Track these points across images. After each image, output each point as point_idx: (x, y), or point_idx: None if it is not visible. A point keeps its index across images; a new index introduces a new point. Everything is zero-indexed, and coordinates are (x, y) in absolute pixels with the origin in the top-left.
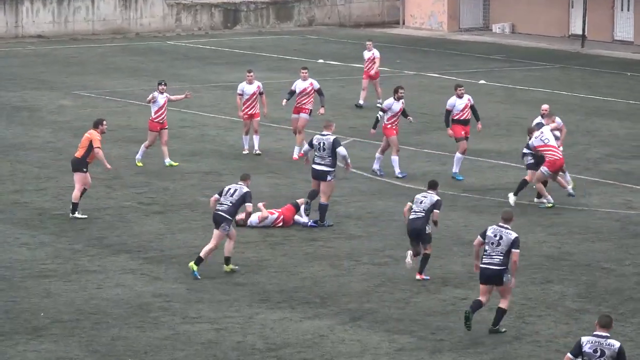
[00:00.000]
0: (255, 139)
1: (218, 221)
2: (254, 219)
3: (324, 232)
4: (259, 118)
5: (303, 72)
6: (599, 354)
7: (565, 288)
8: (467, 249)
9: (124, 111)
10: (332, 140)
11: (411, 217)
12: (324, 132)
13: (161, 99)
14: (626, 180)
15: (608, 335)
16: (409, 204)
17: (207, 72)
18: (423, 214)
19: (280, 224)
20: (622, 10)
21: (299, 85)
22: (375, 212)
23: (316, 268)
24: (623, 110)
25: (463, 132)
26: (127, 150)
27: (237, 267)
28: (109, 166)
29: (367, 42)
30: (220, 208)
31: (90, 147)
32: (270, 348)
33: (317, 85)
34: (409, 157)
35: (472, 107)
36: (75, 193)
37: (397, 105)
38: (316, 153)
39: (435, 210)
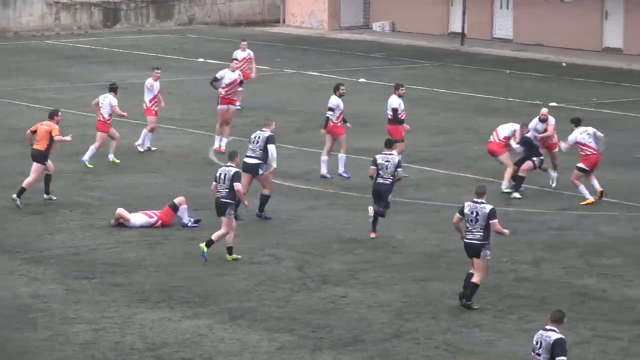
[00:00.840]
0: (150, 137)
1: (220, 207)
2: (138, 220)
3: (205, 232)
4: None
5: (235, 62)
6: (538, 345)
7: (445, 285)
8: (348, 246)
9: (1, 111)
10: (266, 136)
11: (379, 181)
12: (263, 129)
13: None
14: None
15: (553, 329)
16: (372, 167)
17: (86, 72)
18: (391, 180)
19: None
20: (501, 8)
21: (227, 75)
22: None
23: (196, 267)
24: (502, 108)
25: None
26: (6, 150)
27: (239, 256)
28: (68, 138)
29: (242, 42)
30: (219, 195)
31: (52, 139)
32: (149, 348)
33: (242, 76)
34: (290, 156)
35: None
36: (29, 180)
37: (342, 103)
38: (250, 146)
39: (398, 170)
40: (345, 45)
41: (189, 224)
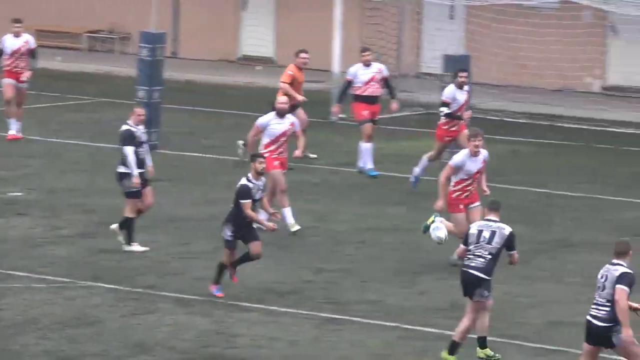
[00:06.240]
0: None
1: (472, 283)
2: None
3: None
4: None
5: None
6: (603, 279)
7: None
8: None
9: None
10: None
11: None
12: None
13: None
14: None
15: (620, 263)
16: None
17: None
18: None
19: None
20: None
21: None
22: None
23: None
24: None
25: None
26: None
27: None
28: None
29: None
30: (470, 264)
31: None
32: None
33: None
34: None
35: None
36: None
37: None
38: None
39: (264, 198)
40: None
41: None
